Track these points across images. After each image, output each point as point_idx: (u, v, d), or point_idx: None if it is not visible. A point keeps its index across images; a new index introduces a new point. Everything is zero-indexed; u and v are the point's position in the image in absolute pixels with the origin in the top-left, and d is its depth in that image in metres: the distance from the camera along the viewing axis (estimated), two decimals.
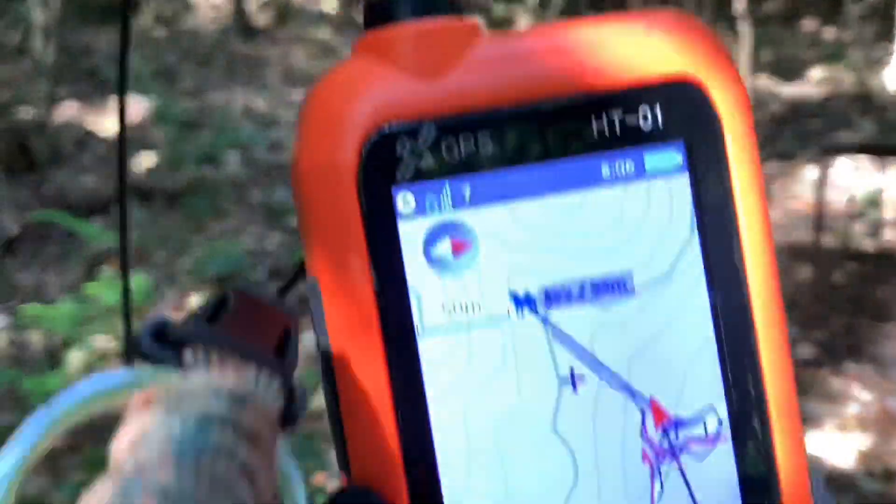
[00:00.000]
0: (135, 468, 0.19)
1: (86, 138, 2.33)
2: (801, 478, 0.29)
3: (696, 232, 0.29)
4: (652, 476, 0.29)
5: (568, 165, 0.29)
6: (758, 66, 2.30)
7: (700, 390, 0.29)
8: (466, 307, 0.29)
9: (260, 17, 3.05)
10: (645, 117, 0.29)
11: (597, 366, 0.29)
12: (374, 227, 0.29)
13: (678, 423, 0.29)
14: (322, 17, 2.97)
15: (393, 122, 0.28)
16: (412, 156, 0.29)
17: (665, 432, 0.29)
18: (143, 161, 2.23)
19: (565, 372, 0.29)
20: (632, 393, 0.29)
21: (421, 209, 0.29)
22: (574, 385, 0.29)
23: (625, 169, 0.29)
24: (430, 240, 0.29)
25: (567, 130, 0.29)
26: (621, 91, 0.29)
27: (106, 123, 2.37)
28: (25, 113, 2.28)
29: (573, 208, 0.29)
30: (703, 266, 0.29)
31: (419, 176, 0.29)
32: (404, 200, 0.29)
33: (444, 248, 0.29)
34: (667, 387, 0.29)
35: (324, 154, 0.29)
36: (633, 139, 0.29)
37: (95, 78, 2.50)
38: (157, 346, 0.24)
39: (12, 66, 2.43)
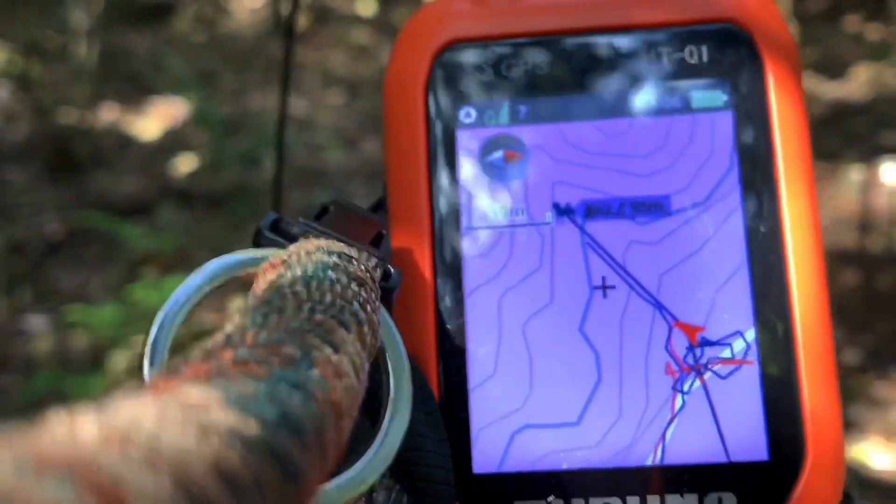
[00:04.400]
0: (272, 288, 0.23)
1: (127, 141, 2.35)
2: (829, 410, 0.30)
3: (735, 166, 0.31)
4: (674, 389, 0.30)
5: (619, 95, 0.32)
6: (802, 66, 2.27)
7: (729, 314, 0.30)
8: (511, 211, 0.31)
9: (297, 21, 3.06)
10: (693, 56, 0.32)
11: (627, 278, 0.31)
12: (435, 131, 0.32)
13: (704, 343, 0.30)
14: (359, 21, 2.98)
15: (462, 41, 0.32)
16: (476, 72, 0.32)
17: (690, 349, 0.30)
18: (184, 164, 2.24)
19: (597, 279, 0.31)
20: (661, 308, 0.30)
21: (480, 121, 0.32)
22: (605, 292, 0.31)
23: (672, 103, 0.32)
24: (485, 148, 0.32)
25: (621, 63, 0.32)
26: (673, 29, 0.32)
27: (147, 125, 2.39)
28: (67, 115, 2.31)
29: (619, 133, 0.32)
30: (740, 197, 0.31)
31: (481, 91, 0.32)
32: (466, 113, 0.32)
33: (496, 156, 0.32)
34: (695, 307, 0.30)
35: (403, 66, 0.33)
36: (682, 76, 0.32)
37: (136, 81, 2.52)
38: (274, 236, 0.29)
39: (55, 68, 2.46)
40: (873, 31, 2.70)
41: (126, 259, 1.87)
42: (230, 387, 0.17)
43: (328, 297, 0.22)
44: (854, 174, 2.13)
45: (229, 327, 0.21)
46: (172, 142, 2.33)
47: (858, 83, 2.49)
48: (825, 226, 1.83)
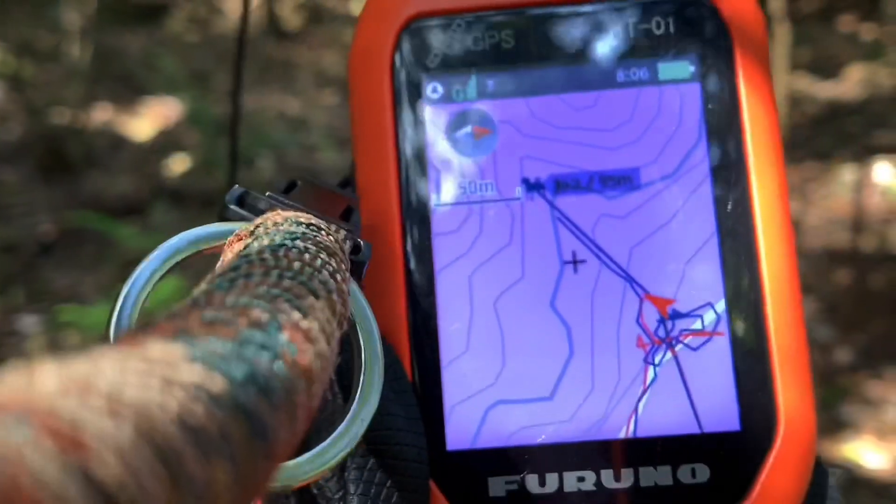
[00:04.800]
0: (239, 256, 0.23)
1: (120, 141, 2.35)
2: (800, 380, 0.30)
3: (703, 138, 0.31)
4: (646, 361, 0.30)
5: (585, 67, 0.32)
6: (795, 65, 2.27)
7: (699, 286, 0.30)
8: (480, 186, 0.31)
9: (291, 20, 3.06)
10: (660, 28, 0.32)
11: (598, 252, 0.31)
12: (401, 106, 0.32)
13: (675, 315, 0.30)
14: (353, 21, 2.98)
15: (427, 15, 0.32)
16: (442, 45, 0.32)
17: (661, 322, 0.30)
18: (177, 164, 2.24)
19: (568, 254, 0.31)
20: (631, 281, 0.30)
21: (447, 96, 0.32)
22: (575, 267, 0.31)
23: (639, 75, 0.32)
24: (453, 124, 0.32)
25: (587, 35, 0.32)
26: (639, 0, 0.32)
27: (140, 126, 2.39)
28: (60, 116, 2.31)
29: (587, 107, 0.32)
30: (708, 168, 0.31)
31: (448, 65, 0.32)
32: (433, 88, 0.32)
33: (465, 131, 0.31)
34: (666, 280, 0.30)
35: (368, 41, 0.32)
36: (649, 48, 0.32)
37: (129, 81, 2.52)
38: (241, 209, 0.28)
39: (47, 68, 2.46)
40: (867, 31, 2.70)
41: (119, 259, 1.87)
42: (196, 343, 0.17)
43: (296, 265, 0.22)
44: (847, 174, 2.13)
45: (196, 291, 0.21)
46: (165, 142, 2.32)
47: (852, 83, 2.50)
48: (818, 225, 1.83)
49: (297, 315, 0.20)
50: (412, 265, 0.31)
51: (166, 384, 0.15)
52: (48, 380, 0.14)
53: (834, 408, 1.51)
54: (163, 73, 2.53)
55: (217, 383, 0.16)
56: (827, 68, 2.53)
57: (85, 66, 2.42)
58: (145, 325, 0.18)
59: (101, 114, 2.40)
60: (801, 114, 2.35)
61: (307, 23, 3.03)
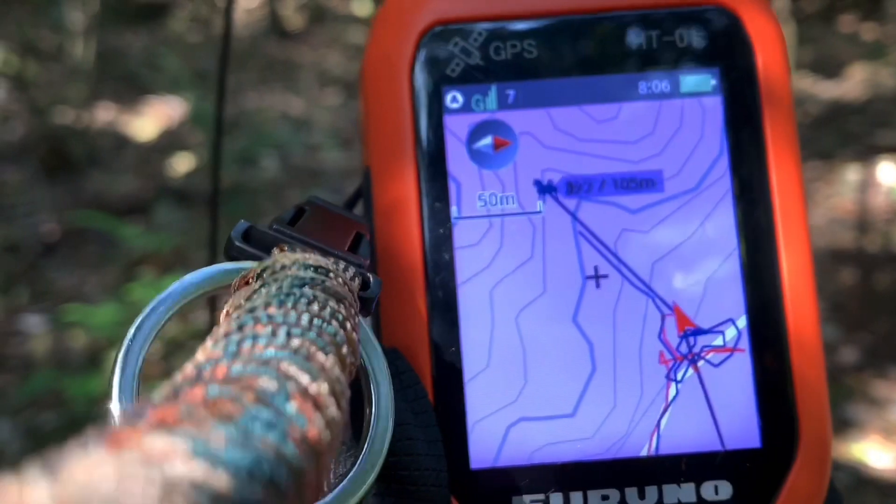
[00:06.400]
0: (245, 310, 0.22)
1: (123, 141, 2.35)
2: (818, 396, 0.30)
3: (725, 151, 0.31)
4: (668, 378, 0.30)
5: (607, 79, 0.31)
6: (798, 65, 2.27)
7: (721, 302, 0.30)
8: (501, 199, 0.31)
9: (294, 20, 3.06)
10: (683, 40, 0.31)
11: (620, 266, 0.30)
12: (421, 116, 0.31)
13: (697, 331, 0.30)
14: (355, 21, 2.98)
15: (448, 21, 0.31)
16: (463, 54, 0.31)
17: (683, 338, 0.30)
18: (181, 164, 2.24)
19: (590, 269, 0.30)
20: (654, 296, 0.30)
21: (467, 106, 0.31)
22: (598, 282, 0.30)
23: (661, 87, 0.31)
24: (473, 135, 0.31)
25: (610, 45, 0.32)
26: (663, 12, 0.32)
27: (143, 125, 2.38)
28: (63, 115, 2.31)
29: (609, 118, 0.31)
30: (730, 183, 0.31)
31: (468, 75, 0.31)
32: (452, 97, 0.31)
33: (485, 143, 0.31)
34: (688, 295, 0.30)
35: (386, 47, 0.32)
36: (671, 60, 0.31)
37: (132, 80, 2.52)
38: (246, 245, 0.27)
39: (50, 68, 2.46)
40: (868, 31, 2.70)
41: (123, 259, 1.87)
42: (198, 434, 0.16)
43: (304, 319, 0.22)
44: (851, 174, 2.13)
45: (201, 356, 0.20)
46: (169, 141, 2.32)
47: (854, 83, 2.49)
48: (822, 225, 1.83)
49: (306, 379, 0.19)
50: (433, 280, 0.31)
51: (166, 492, 0.14)
52: (39, 501, 0.13)
53: (839, 407, 1.51)
54: (165, 73, 2.53)
55: (221, 481, 0.15)
56: (829, 68, 2.53)
57: (88, 66, 2.41)
58: (147, 406, 0.17)
59: (104, 113, 2.40)
60: (803, 113, 2.35)
61: (309, 23, 3.03)
